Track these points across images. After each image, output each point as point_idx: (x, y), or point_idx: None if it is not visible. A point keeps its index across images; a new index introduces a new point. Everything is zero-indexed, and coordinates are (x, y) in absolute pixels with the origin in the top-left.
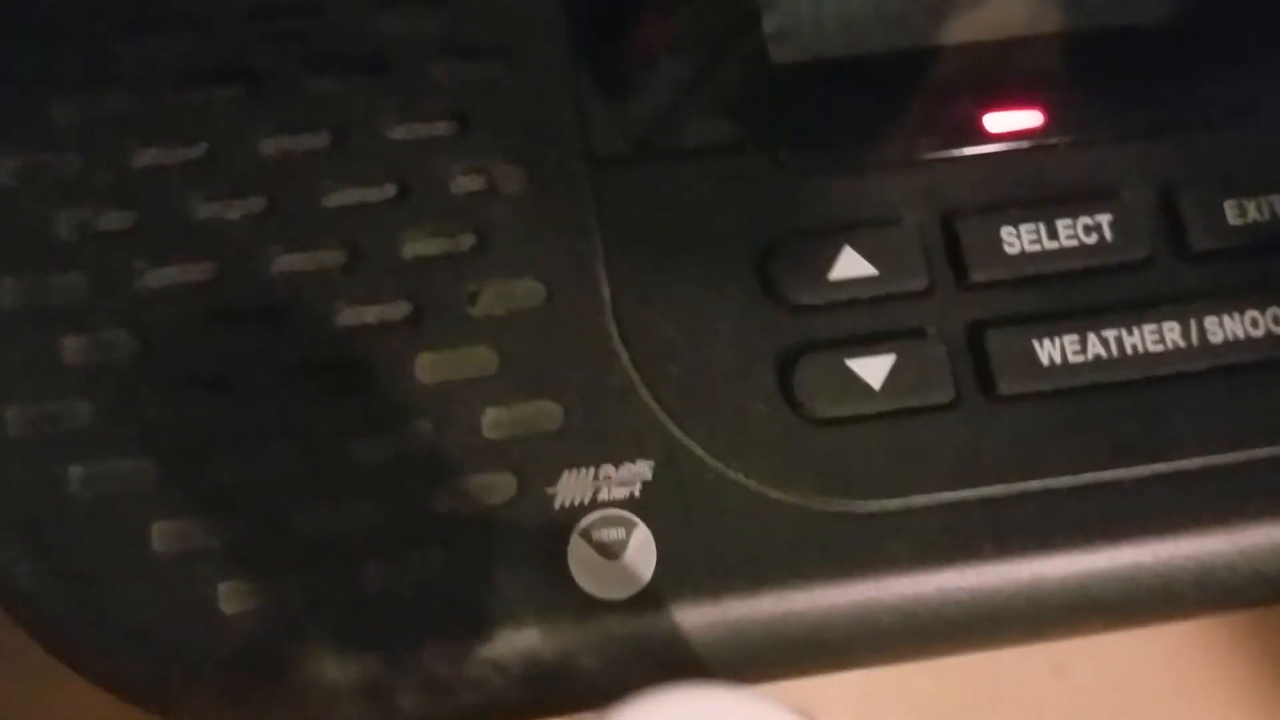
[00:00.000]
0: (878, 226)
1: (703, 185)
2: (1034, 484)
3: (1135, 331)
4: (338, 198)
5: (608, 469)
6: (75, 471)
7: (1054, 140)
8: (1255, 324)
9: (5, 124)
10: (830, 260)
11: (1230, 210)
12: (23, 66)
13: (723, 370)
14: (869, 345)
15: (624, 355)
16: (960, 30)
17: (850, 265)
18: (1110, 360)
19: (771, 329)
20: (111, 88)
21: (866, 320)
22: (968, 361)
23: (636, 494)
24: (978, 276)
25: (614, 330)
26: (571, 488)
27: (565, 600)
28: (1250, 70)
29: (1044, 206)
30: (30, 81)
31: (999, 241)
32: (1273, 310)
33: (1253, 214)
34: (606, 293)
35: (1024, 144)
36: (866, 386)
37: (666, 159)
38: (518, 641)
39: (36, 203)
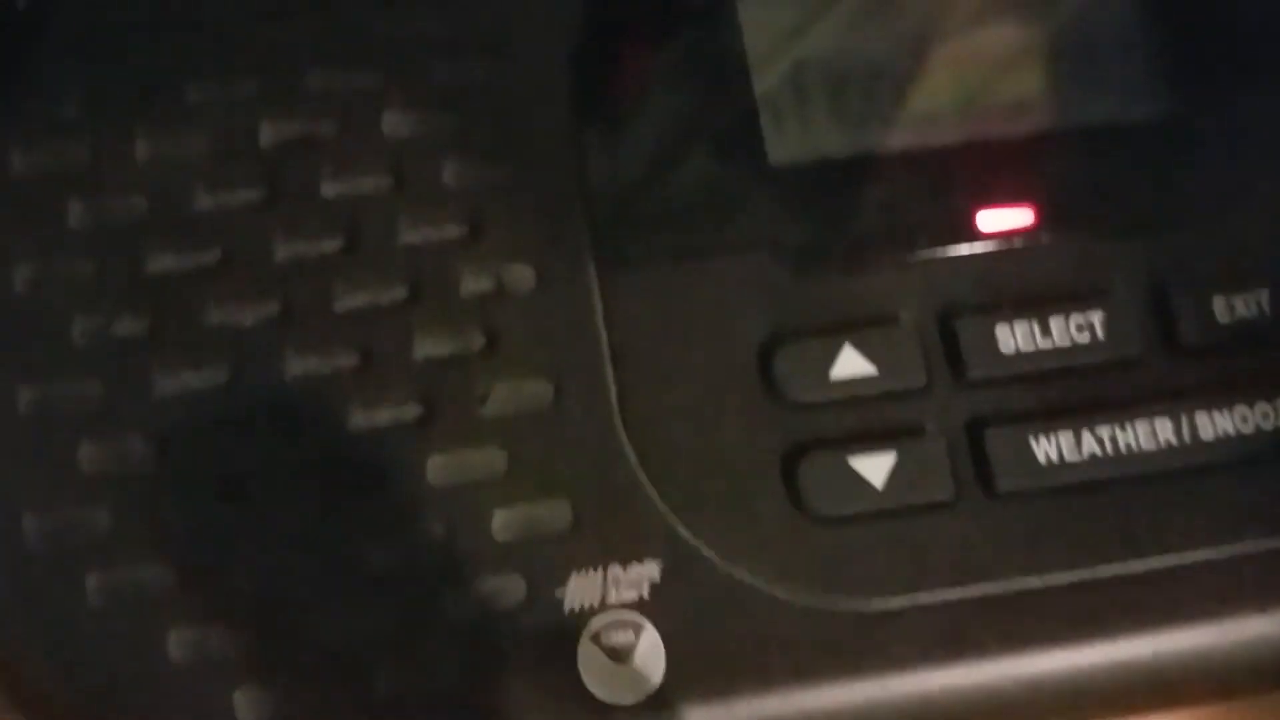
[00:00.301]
0: (876, 325)
1: (706, 285)
2: (1034, 580)
3: (1128, 428)
4: (350, 301)
5: (616, 570)
6: (92, 580)
7: (1046, 238)
8: (1245, 419)
9: (19, 229)
10: (831, 359)
11: (1219, 306)
12: (37, 170)
13: (729, 470)
14: (871, 443)
15: (631, 455)
16: (953, 131)
17: (851, 364)
18: (1105, 458)
19: (775, 428)
20: (125, 192)
21: (868, 418)
22: (967, 459)
23: (645, 595)
24: (975, 375)
25: (621, 430)
26: (580, 590)
27: (576, 706)
28: (1237, 166)
29: (1038, 305)
30: (44, 185)
31: (994, 340)
32: (1261, 406)
33: (1240, 310)
34: (614, 393)
35: (1017, 242)
36: (869, 485)
37: (670, 260)
38: None
39: (51, 309)
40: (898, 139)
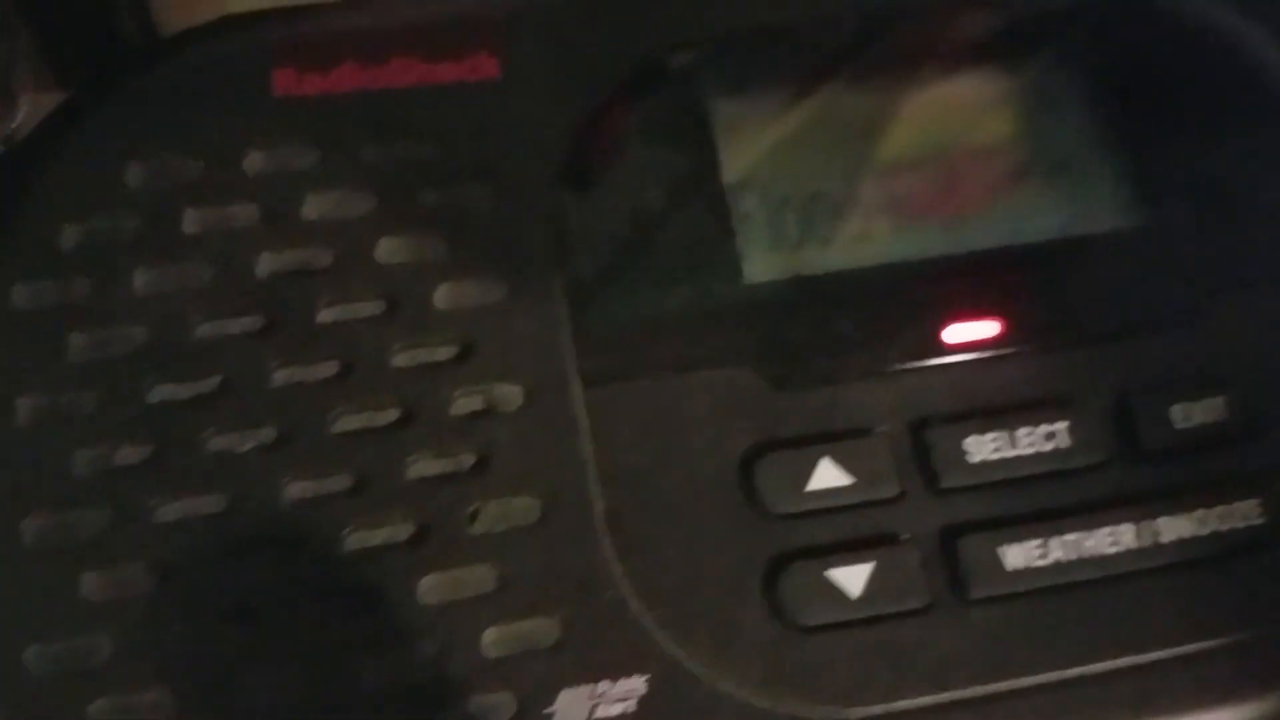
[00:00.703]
0: (852, 438)
1: (687, 400)
2: (1007, 684)
3: (1093, 533)
4: (344, 425)
5: (604, 685)
6: (95, 708)
7: (1013, 349)
8: (1203, 522)
9: (21, 363)
10: (809, 471)
11: (1178, 414)
12: (37, 304)
13: (712, 583)
14: (848, 554)
15: (617, 569)
16: (922, 247)
17: (828, 476)
18: (1071, 562)
19: (756, 540)
20: (125, 323)
21: (845, 528)
22: (941, 567)
23: (632, 710)
24: (947, 484)
25: (607, 545)
26: (569, 706)
27: None
28: (1193, 276)
29: (1006, 415)
30: (45, 319)
31: (964, 450)
32: (1219, 508)
33: (1199, 416)
34: (600, 507)
35: (985, 354)
36: (846, 595)
37: (653, 376)
38: None
39: (53, 441)
40: (870, 256)
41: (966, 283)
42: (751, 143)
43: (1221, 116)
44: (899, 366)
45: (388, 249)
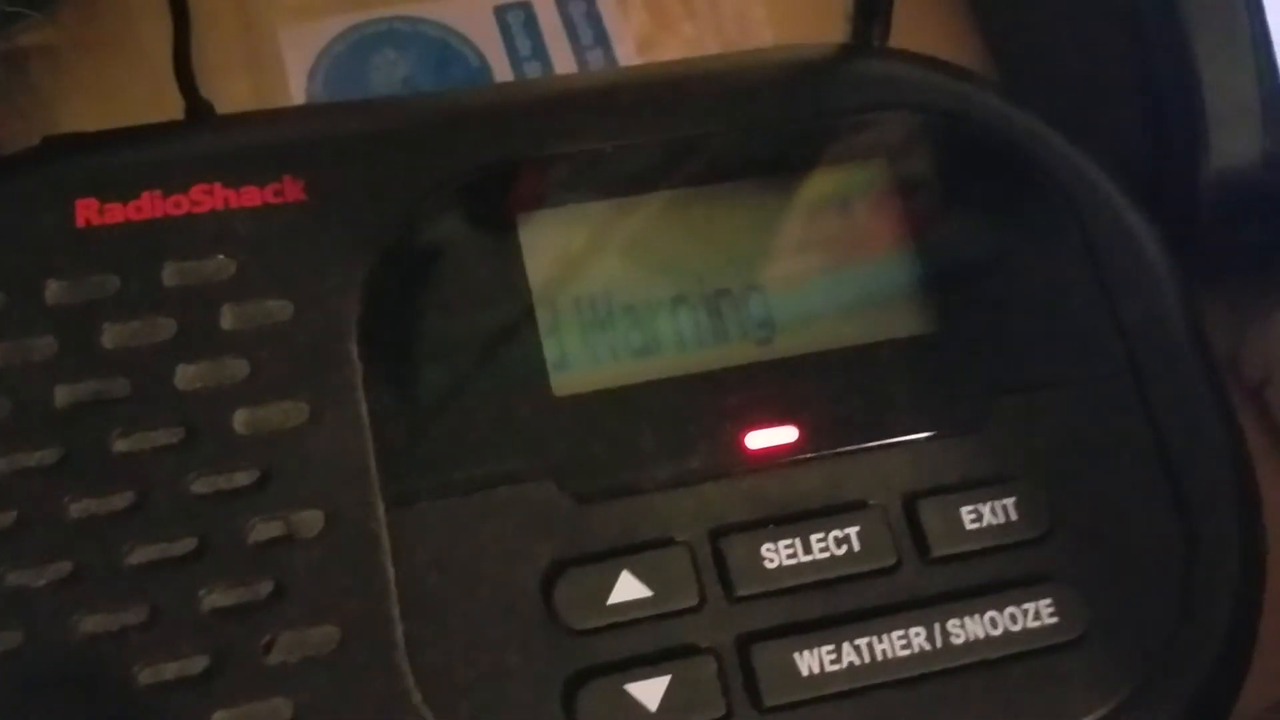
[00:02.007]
0: (652, 549)
1: (491, 518)
2: None
3: (885, 638)
4: (140, 556)
5: None
6: None
7: (809, 455)
8: (994, 623)
9: None
10: (610, 585)
11: (966, 516)
12: None
13: (513, 704)
14: (646, 667)
15: (417, 695)
16: (722, 356)
17: (628, 589)
18: (864, 666)
19: (557, 657)
20: None
21: (644, 642)
22: (738, 675)
23: None
24: (743, 592)
25: (408, 670)
26: None
27: None
28: (981, 379)
29: (799, 522)
30: None
31: (760, 558)
32: (1010, 609)
33: (987, 518)
34: (400, 633)
35: (782, 460)
36: (644, 709)
37: (456, 494)
38: None
39: None
40: (671, 367)
41: (765, 391)
42: (557, 258)
43: (1003, 224)
44: (700, 476)
45: (186, 375)
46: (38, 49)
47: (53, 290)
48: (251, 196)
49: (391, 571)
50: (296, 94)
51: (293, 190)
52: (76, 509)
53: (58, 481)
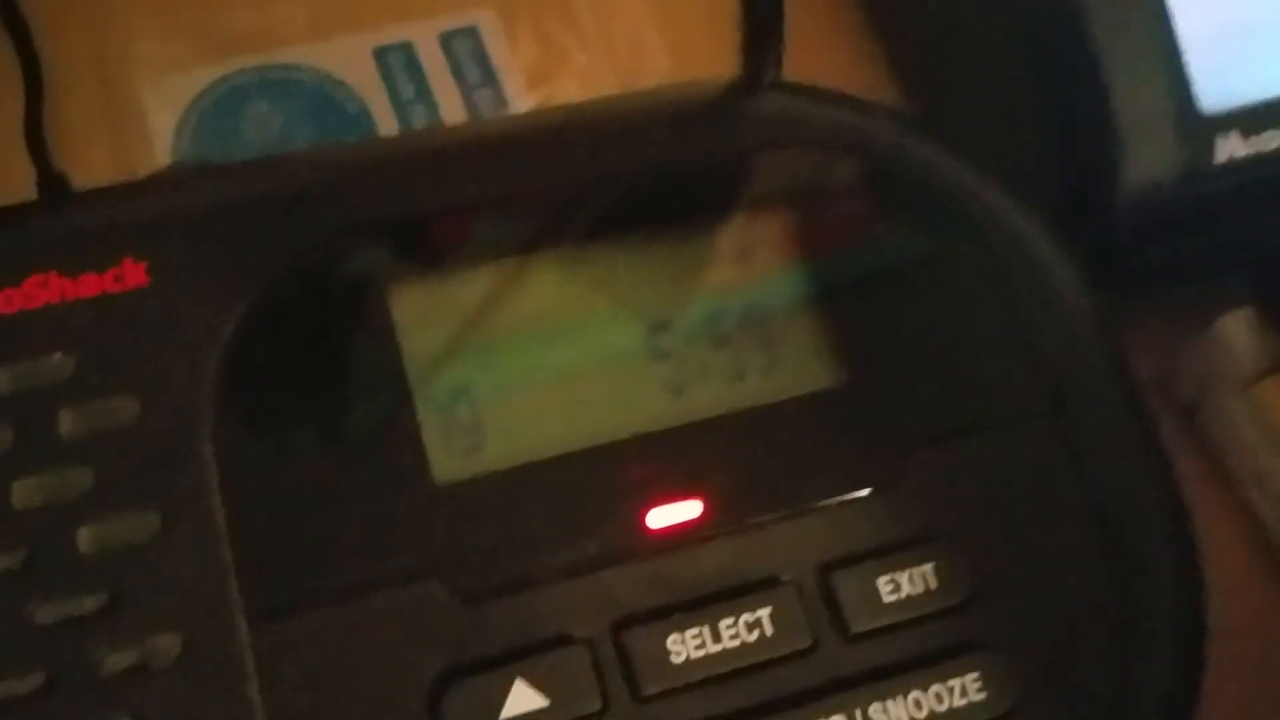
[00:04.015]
0: (549, 650)
1: (369, 627)
2: None
3: None
4: None
5: None
6: None
7: (714, 531)
8: (919, 705)
9: None
10: (503, 697)
11: (884, 587)
12: None
13: None
14: None
15: None
16: (615, 429)
17: (523, 700)
18: None
19: None
20: None
21: None
22: None
23: None
24: (650, 690)
25: None
26: None
27: None
28: (893, 431)
29: (706, 607)
30: None
31: (666, 651)
32: (935, 688)
33: (906, 587)
34: None
35: (686, 538)
36: None
37: (329, 603)
38: None
39: None
40: (560, 443)
41: (665, 462)
42: (435, 341)
43: (909, 263)
44: (598, 562)
45: (23, 491)
46: None
47: None
48: (90, 285)
49: (258, 698)
50: (163, 156)
51: (134, 274)
52: None
53: None
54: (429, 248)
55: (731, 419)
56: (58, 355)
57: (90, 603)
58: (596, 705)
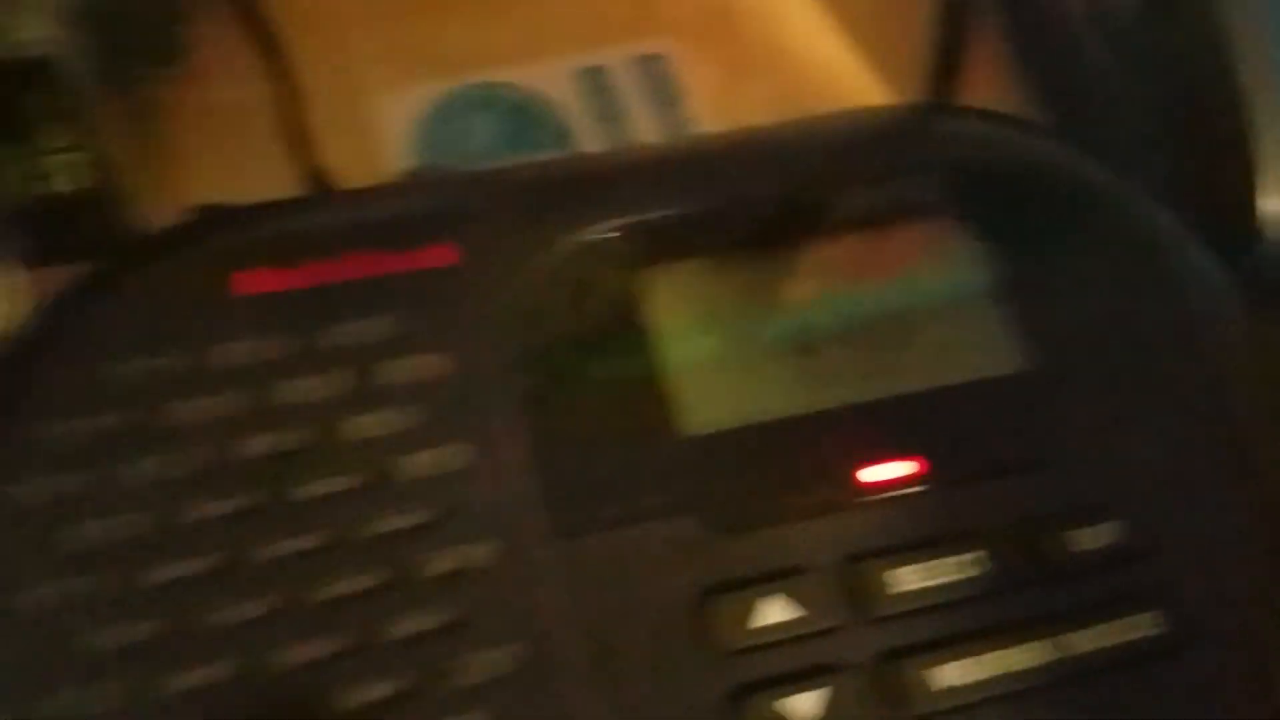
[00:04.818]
0: (791, 575)
1: (642, 551)
2: None
3: (1007, 652)
4: (329, 592)
5: None
6: None
7: (930, 486)
8: (1107, 635)
9: (24, 554)
10: (750, 611)
11: (1079, 538)
12: (37, 499)
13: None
14: (794, 684)
15: (591, 712)
16: (846, 395)
17: (771, 612)
18: (991, 679)
19: (711, 678)
20: (122, 511)
21: (789, 661)
22: (879, 689)
23: None
24: (878, 614)
25: (579, 689)
26: None
27: None
28: (1077, 415)
29: (926, 547)
30: (45, 513)
31: (892, 583)
32: (1123, 621)
33: (1100, 539)
34: (569, 655)
35: (906, 491)
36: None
37: (613, 528)
38: None
39: (61, 625)
40: (795, 405)
41: (887, 425)
42: (685, 302)
43: (1098, 264)
44: (828, 507)
45: (355, 426)
46: (164, 105)
47: (220, 354)
48: (407, 261)
49: (560, 600)
50: (394, 159)
51: (446, 254)
52: (265, 553)
53: (247, 528)
54: (676, 239)
55: (949, 391)
56: (382, 317)
57: (417, 518)
58: (832, 623)
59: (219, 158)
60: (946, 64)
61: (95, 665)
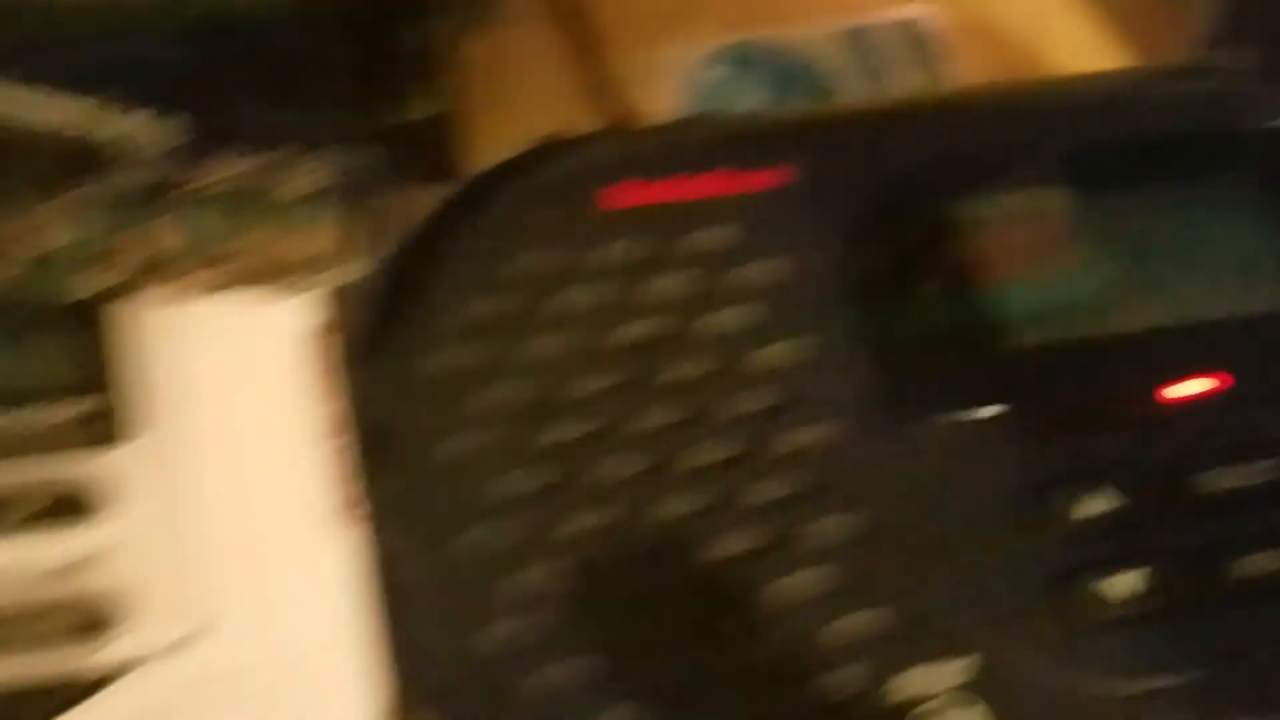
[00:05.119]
0: (1115, 469)
1: (976, 441)
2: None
3: None
4: (696, 460)
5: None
6: (528, 681)
7: (1238, 400)
8: None
9: (444, 413)
10: (1071, 506)
11: None
12: (449, 367)
13: (1004, 595)
14: (1122, 565)
15: (933, 574)
16: (1159, 317)
17: (1097, 503)
18: None
19: (1033, 558)
20: (521, 380)
21: (1112, 547)
22: (1200, 572)
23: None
24: (1192, 510)
25: (923, 554)
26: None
27: None
28: None
29: (1241, 450)
30: (458, 379)
31: (1211, 480)
32: None
33: None
34: (906, 523)
35: (1215, 403)
36: (1124, 597)
37: (948, 414)
38: None
39: (470, 474)
40: (1121, 325)
41: (1200, 346)
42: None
43: None
44: (1146, 416)
45: (711, 321)
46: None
47: (595, 256)
48: (754, 181)
49: (898, 477)
50: (669, 108)
51: (786, 174)
52: (642, 422)
53: (626, 400)
54: (999, 170)
55: (1254, 319)
56: (728, 228)
57: (771, 398)
58: (1149, 516)
59: (532, 100)
60: (1234, 32)
61: (497, 508)
